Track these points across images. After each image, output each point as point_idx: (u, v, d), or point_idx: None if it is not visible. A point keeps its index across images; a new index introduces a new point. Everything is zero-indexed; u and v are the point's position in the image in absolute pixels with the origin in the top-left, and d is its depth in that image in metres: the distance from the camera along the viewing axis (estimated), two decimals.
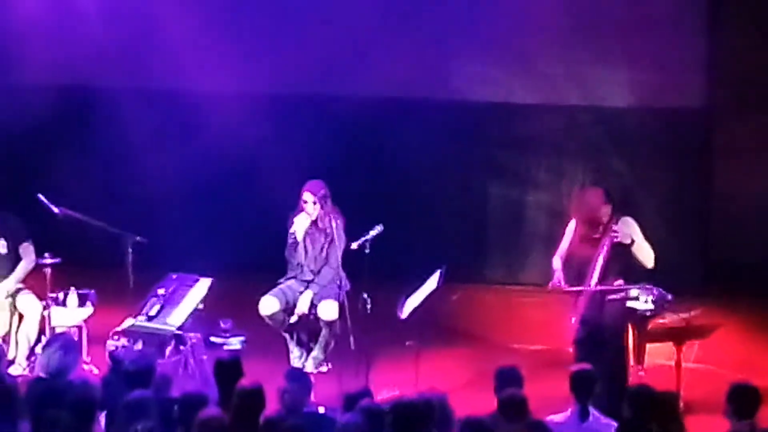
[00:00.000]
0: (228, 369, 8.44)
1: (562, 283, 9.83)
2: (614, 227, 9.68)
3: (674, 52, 12.44)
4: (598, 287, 9.72)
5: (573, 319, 9.84)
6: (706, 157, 12.67)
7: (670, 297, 9.97)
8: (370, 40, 12.66)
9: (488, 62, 12.64)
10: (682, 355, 9.72)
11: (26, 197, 10.91)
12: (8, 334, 10.57)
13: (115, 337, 10.08)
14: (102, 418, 7.89)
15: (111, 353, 9.80)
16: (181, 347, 10.06)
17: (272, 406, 8.16)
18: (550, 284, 9.93)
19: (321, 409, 8.37)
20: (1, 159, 13.23)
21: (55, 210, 10.78)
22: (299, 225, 10.59)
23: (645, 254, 9.80)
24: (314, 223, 10.62)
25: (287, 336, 10.77)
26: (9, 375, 8.60)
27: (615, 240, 9.68)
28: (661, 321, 10.13)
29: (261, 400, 7.98)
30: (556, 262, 9.95)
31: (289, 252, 10.72)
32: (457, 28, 12.54)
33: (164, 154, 12.77)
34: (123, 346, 9.96)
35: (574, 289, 9.78)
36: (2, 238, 10.75)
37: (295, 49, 12.72)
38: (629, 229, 9.77)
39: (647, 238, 9.86)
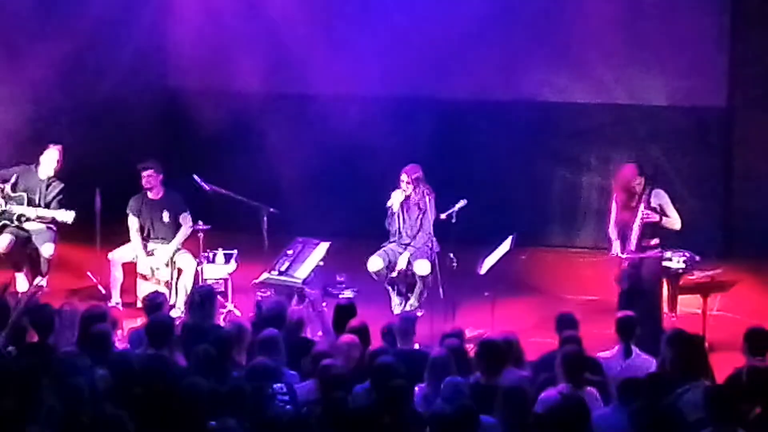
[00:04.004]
0: (345, 311, 8.44)
1: (619, 251, 9.59)
2: (645, 211, 9.43)
3: (702, 60, 12.18)
4: (645, 255, 9.47)
5: (613, 276, 9.60)
6: (727, 146, 12.41)
7: (698, 258, 9.90)
8: (457, 51, 12.53)
9: (552, 69, 12.47)
10: (707, 305, 9.54)
11: (187, 178, 10.94)
12: (170, 284, 10.63)
13: (262, 289, 10.06)
14: None
15: (257, 301, 9.78)
16: (305, 297, 10.03)
17: (376, 342, 8.14)
18: (610, 253, 9.70)
19: (416, 346, 8.29)
20: (174, 147, 13.31)
21: (206, 187, 10.80)
22: (394, 199, 10.56)
23: (673, 222, 9.56)
24: (408, 198, 10.55)
25: (389, 288, 10.71)
26: (170, 317, 8.63)
27: (646, 221, 9.45)
28: (690, 277, 9.99)
29: (367, 337, 7.95)
30: (612, 233, 9.71)
31: (388, 222, 10.68)
32: (527, 41, 12.37)
33: (294, 145, 12.75)
34: (263, 296, 9.96)
35: (628, 255, 9.51)
36: (166, 210, 10.81)
37: (398, 59, 12.62)
38: (660, 200, 9.55)
39: (676, 207, 9.64)
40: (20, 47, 12.26)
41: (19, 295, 9.34)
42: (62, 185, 10.81)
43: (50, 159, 10.81)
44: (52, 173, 10.82)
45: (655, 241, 9.57)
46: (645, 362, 7.83)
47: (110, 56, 12.80)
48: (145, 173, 10.72)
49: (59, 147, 10.87)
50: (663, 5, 12.18)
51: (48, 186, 10.80)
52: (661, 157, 12.24)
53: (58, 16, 12.32)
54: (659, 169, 10.53)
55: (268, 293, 9.97)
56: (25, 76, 12.19)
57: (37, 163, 10.84)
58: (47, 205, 10.73)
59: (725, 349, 8.95)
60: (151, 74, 13.31)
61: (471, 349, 8.00)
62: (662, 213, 9.53)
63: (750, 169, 12.32)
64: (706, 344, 8.43)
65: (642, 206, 9.48)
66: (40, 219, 10.74)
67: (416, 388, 7.09)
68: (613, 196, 9.85)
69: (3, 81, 12.21)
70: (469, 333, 9.25)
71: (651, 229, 9.53)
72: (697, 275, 9.99)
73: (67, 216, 10.61)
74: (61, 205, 10.70)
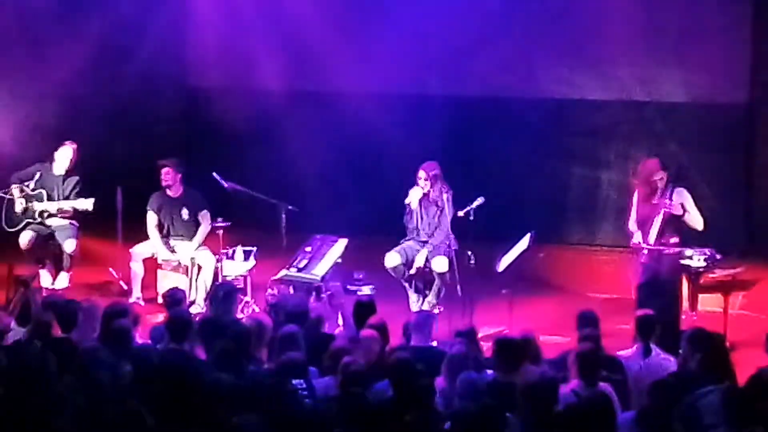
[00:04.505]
0: (365, 308, 8.45)
1: (641, 242, 9.49)
2: (668, 201, 9.33)
3: (722, 57, 12.12)
4: (666, 249, 9.37)
5: (631, 273, 9.55)
6: (749, 143, 12.36)
7: (719, 256, 9.75)
8: (473, 49, 12.55)
9: (569, 66, 12.48)
10: (728, 304, 9.51)
11: (206, 176, 10.98)
12: (190, 280, 10.67)
13: (273, 288, 10.09)
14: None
15: (268, 301, 9.80)
16: (323, 293, 10.04)
17: (395, 340, 8.14)
18: (631, 243, 9.60)
19: (434, 343, 8.29)
20: (194, 145, 13.34)
21: (225, 185, 10.83)
22: (412, 196, 10.57)
23: (695, 221, 9.48)
24: (426, 195, 10.55)
25: (407, 285, 10.71)
26: (189, 312, 8.66)
27: (668, 212, 9.37)
28: (711, 276, 9.86)
29: (386, 334, 7.96)
30: (632, 226, 9.63)
31: (406, 219, 10.69)
32: (543, 38, 12.40)
33: (313, 143, 12.78)
34: (280, 293, 9.97)
35: (650, 247, 9.41)
36: (185, 208, 10.86)
37: (415, 57, 12.66)
38: (682, 199, 9.44)
39: (698, 206, 9.55)
40: (45, 46, 12.36)
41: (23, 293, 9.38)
42: (78, 178, 10.92)
43: (65, 156, 10.92)
44: (66, 170, 10.90)
45: (675, 239, 9.47)
46: (664, 361, 7.79)
47: (132, 55, 12.88)
48: (163, 170, 10.79)
49: (74, 144, 10.98)
50: (682, 0, 12.13)
51: (64, 181, 10.90)
52: (680, 155, 12.19)
53: (81, 16, 12.42)
54: (682, 168, 10.43)
55: (276, 292, 9.97)
56: (49, 74, 12.30)
57: (52, 160, 10.93)
58: (66, 198, 10.82)
59: (747, 348, 8.90)
60: (171, 72, 13.39)
61: (488, 347, 7.99)
62: (685, 211, 9.42)
63: None
64: (727, 343, 8.40)
65: (665, 198, 9.35)
66: (62, 213, 10.84)
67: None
68: (634, 191, 9.77)
69: (29, 78, 12.30)
70: (487, 331, 9.26)
71: (672, 226, 9.43)
72: (718, 273, 9.91)
73: (87, 204, 10.72)
74: (80, 195, 10.79)
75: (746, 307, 10.31)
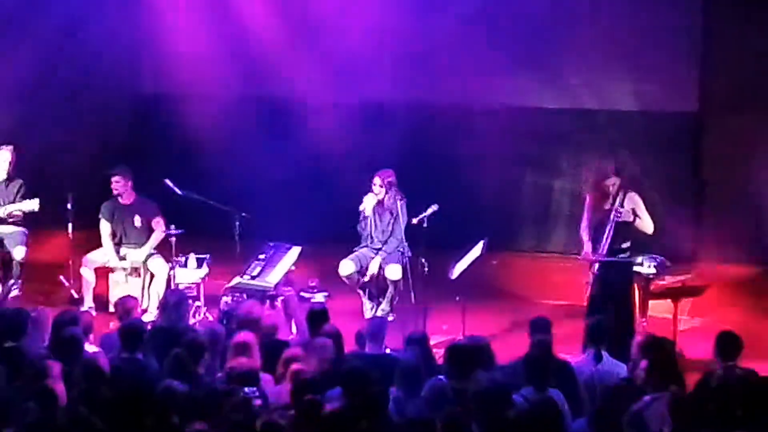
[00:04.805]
0: (319, 315, 8.44)
1: (590, 254, 9.48)
2: (620, 209, 9.34)
3: (672, 67, 12.25)
4: (615, 259, 9.38)
5: (585, 281, 9.64)
6: (697, 150, 12.48)
7: (668, 263, 9.86)
8: (427, 57, 12.59)
9: (522, 74, 12.50)
10: (678, 310, 9.59)
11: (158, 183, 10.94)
12: (143, 288, 10.61)
13: (228, 295, 10.07)
14: None
15: (224, 308, 9.78)
16: (276, 301, 10.04)
17: (348, 347, 8.16)
18: (581, 255, 9.56)
19: (387, 350, 8.32)
20: (147, 152, 13.28)
21: (178, 192, 10.79)
22: (367, 203, 10.61)
23: (645, 225, 9.46)
24: (380, 202, 10.59)
25: (361, 292, 10.74)
26: (142, 320, 8.62)
27: (619, 219, 9.38)
28: (661, 282, 9.99)
29: (340, 342, 7.96)
30: (584, 234, 9.55)
31: (360, 226, 10.71)
32: (496, 47, 12.39)
33: (266, 150, 12.75)
34: (234, 301, 9.95)
35: (599, 259, 9.40)
36: (137, 215, 10.81)
37: (369, 65, 12.68)
38: (634, 204, 9.41)
39: (648, 211, 9.55)
40: None
41: None
42: (21, 181, 10.87)
43: (3, 160, 10.88)
44: (5, 174, 10.83)
45: (626, 244, 9.46)
46: (615, 368, 7.86)
47: (84, 61, 12.80)
48: (113, 179, 10.74)
49: (11, 147, 10.96)
50: (634, 11, 12.23)
51: (7, 186, 10.84)
52: (631, 162, 12.31)
53: (32, 21, 12.32)
54: (635, 174, 10.49)
55: (232, 299, 9.95)
56: None
57: None
58: (12, 203, 10.78)
59: (696, 353, 9.01)
60: (124, 79, 13.30)
61: (440, 354, 8.02)
62: (636, 216, 9.41)
63: (720, 174, 12.35)
64: (677, 349, 8.50)
65: (617, 205, 9.34)
66: (11, 217, 10.76)
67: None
68: (586, 197, 9.73)
69: None
70: (439, 338, 9.30)
71: (623, 232, 9.42)
72: (668, 280, 10.04)
73: (33, 204, 10.70)
74: (25, 197, 10.72)
75: (695, 313, 10.44)
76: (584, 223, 9.61)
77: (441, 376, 7.26)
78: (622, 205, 9.37)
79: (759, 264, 11.77)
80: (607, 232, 9.39)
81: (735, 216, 12.16)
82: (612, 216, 9.35)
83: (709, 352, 7.70)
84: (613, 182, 9.40)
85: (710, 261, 12.03)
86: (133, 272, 10.66)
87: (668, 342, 7.86)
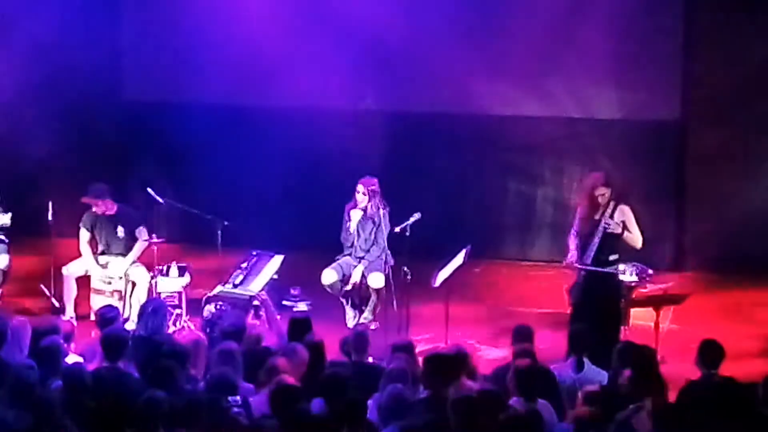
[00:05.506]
0: (300, 325, 8.44)
1: (575, 261, 9.45)
2: (610, 221, 9.32)
3: (654, 75, 12.28)
4: (596, 268, 9.32)
5: (565, 286, 9.62)
6: (680, 159, 12.52)
7: (650, 271, 9.84)
8: (410, 65, 12.61)
9: (505, 82, 12.51)
10: (659, 318, 9.61)
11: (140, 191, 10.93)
12: (124, 297, 10.60)
13: (211, 303, 10.06)
14: None
15: (208, 317, 9.77)
16: (260, 310, 10.03)
17: (331, 354, 8.16)
18: (565, 261, 9.55)
19: (369, 359, 8.33)
20: (130, 160, 13.27)
21: (161, 200, 10.79)
22: (354, 217, 10.60)
23: (634, 240, 9.41)
24: (363, 211, 10.61)
25: (343, 301, 10.75)
26: (123, 330, 8.61)
27: (607, 230, 9.35)
28: (643, 290, 10.03)
29: (322, 353, 7.97)
30: (572, 241, 9.52)
31: (343, 236, 10.73)
32: (479, 54, 12.43)
33: (248, 159, 12.76)
34: (217, 309, 9.94)
35: (582, 267, 9.37)
36: (120, 225, 10.79)
37: (350, 74, 12.68)
38: (624, 217, 9.36)
39: (639, 224, 9.49)
40: None
41: None
42: None
43: None
44: None
45: (614, 256, 9.41)
46: (597, 375, 7.91)
47: (67, 69, 12.78)
48: (93, 206, 10.62)
49: None
50: (616, 18, 12.25)
51: None
52: (613, 170, 12.35)
53: (16, 28, 12.30)
54: (626, 186, 10.44)
55: (215, 309, 9.94)
56: None
57: None
58: None
59: (678, 361, 9.03)
60: (108, 86, 13.27)
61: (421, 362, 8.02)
62: (625, 229, 9.34)
63: (702, 183, 12.39)
64: (658, 357, 8.54)
65: (606, 216, 9.32)
66: None
67: (370, 401, 7.12)
68: (577, 205, 9.69)
69: None
70: (422, 347, 9.31)
71: (611, 244, 9.36)
72: (649, 288, 10.08)
73: (4, 219, 10.61)
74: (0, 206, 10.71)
75: (677, 322, 10.49)
76: (573, 231, 9.59)
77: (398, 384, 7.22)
78: (612, 217, 9.33)
79: (740, 273, 11.81)
80: (594, 242, 9.39)
81: (717, 224, 12.20)
82: (600, 226, 9.35)
83: (690, 361, 7.73)
84: (602, 192, 9.36)
85: (692, 269, 12.10)
86: (114, 281, 10.64)
87: (648, 350, 7.89)
